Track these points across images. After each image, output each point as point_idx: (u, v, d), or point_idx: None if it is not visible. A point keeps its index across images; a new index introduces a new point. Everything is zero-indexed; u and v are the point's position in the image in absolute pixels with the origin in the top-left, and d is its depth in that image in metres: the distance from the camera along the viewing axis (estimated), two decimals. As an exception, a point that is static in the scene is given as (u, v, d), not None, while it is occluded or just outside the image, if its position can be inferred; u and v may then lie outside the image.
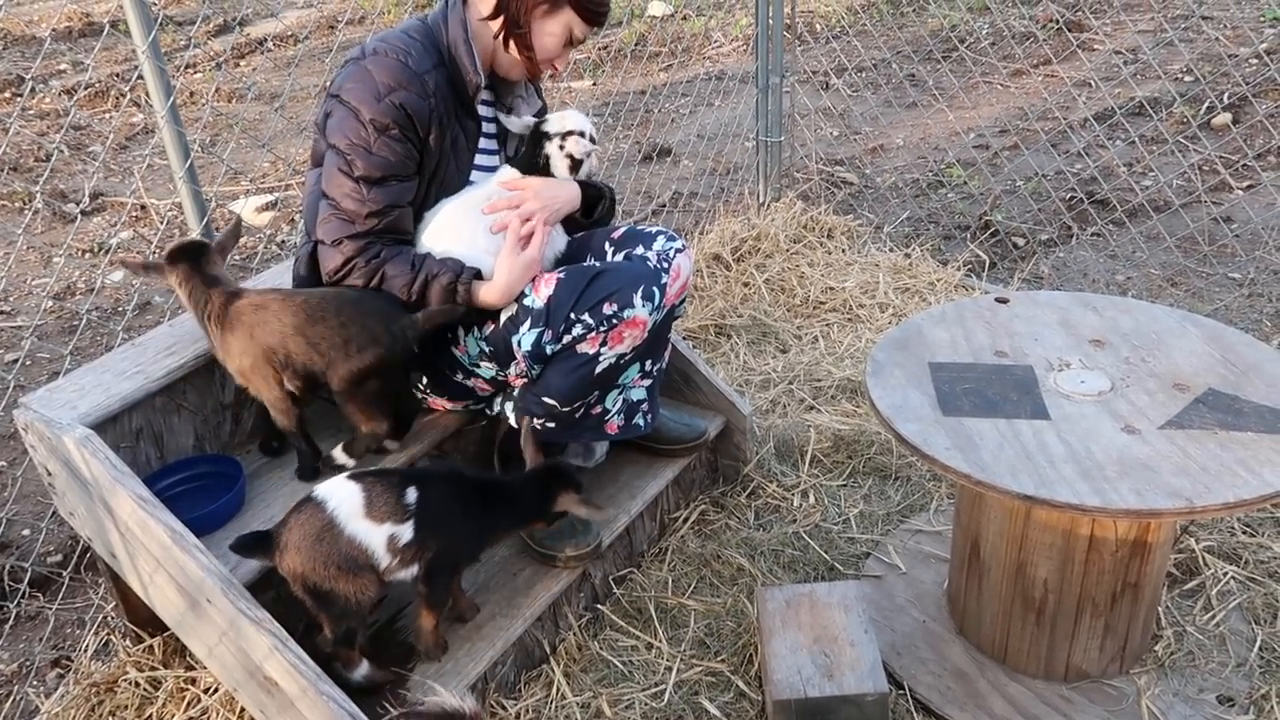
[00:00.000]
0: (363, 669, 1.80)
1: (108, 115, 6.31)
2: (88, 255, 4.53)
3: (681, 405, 2.47)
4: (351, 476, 1.73)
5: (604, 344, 1.88)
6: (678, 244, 2.02)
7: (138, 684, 1.99)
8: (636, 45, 6.65)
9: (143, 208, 4.94)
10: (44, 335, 3.88)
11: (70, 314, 4.03)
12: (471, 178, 2.00)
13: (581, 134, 2.05)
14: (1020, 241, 3.75)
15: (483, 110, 2.03)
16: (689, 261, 2.03)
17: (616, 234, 2.07)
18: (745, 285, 3.37)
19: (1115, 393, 1.82)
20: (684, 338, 3.15)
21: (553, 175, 2.05)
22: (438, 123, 1.88)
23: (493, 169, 2.06)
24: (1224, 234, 3.63)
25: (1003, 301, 2.14)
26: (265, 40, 7.48)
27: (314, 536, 1.66)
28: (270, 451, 2.04)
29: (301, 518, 1.67)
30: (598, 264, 1.97)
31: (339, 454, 1.97)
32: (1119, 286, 3.45)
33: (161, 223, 4.78)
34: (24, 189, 5.17)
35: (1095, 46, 6.00)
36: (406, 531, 1.70)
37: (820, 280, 3.36)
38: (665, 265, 1.96)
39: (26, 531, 2.68)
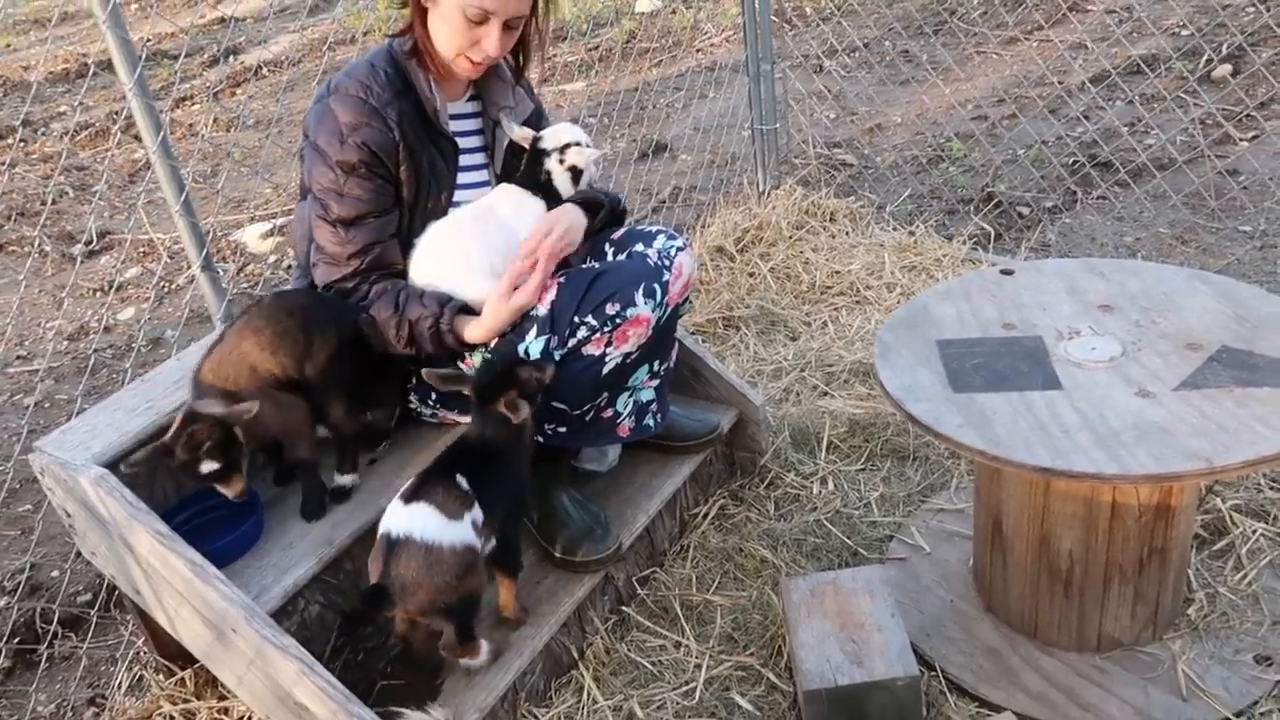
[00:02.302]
0: (484, 652, 1.82)
1: (109, 153, 6.36)
2: (98, 294, 4.57)
3: (693, 401, 2.46)
4: (404, 500, 1.72)
5: (609, 344, 1.87)
6: (678, 242, 2.01)
7: (172, 718, 2.01)
8: (626, 43, 6.64)
9: (149, 243, 4.98)
10: (60, 377, 3.92)
11: (84, 355, 4.06)
12: (457, 197, 1.99)
13: (578, 144, 2.04)
14: (1025, 211, 3.72)
15: (465, 124, 2.02)
16: (691, 259, 2.02)
17: (616, 235, 2.06)
18: (751, 275, 3.36)
19: (1127, 357, 1.80)
20: (692, 332, 3.15)
21: (556, 190, 2.03)
22: (408, 153, 1.87)
23: (481, 184, 2.05)
24: (1231, 187, 3.59)
25: (1008, 273, 2.12)
26: (259, 68, 7.52)
27: (426, 567, 1.66)
28: (284, 481, 2.04)
29: (402, 559, 1.66)
30: (597, 265, 1.96)
31: (338, 478, 1.97)
32: (1128, 249, 3.42)
33: (169, 257, 4.82)
34: (32, 234, 5.22)
35: (1088, 8, 5.95)
36: (478, 512, 1.72)
37: (825, 265, 3.35)
38: (666, 263, 1.95)
39: (55, 573, 2.70)
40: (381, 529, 1.71)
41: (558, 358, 1.89)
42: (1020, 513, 1.87)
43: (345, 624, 1.95)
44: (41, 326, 4.40)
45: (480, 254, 1.91)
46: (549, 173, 2.02)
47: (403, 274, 1.94)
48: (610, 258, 2.02)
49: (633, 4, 7.36)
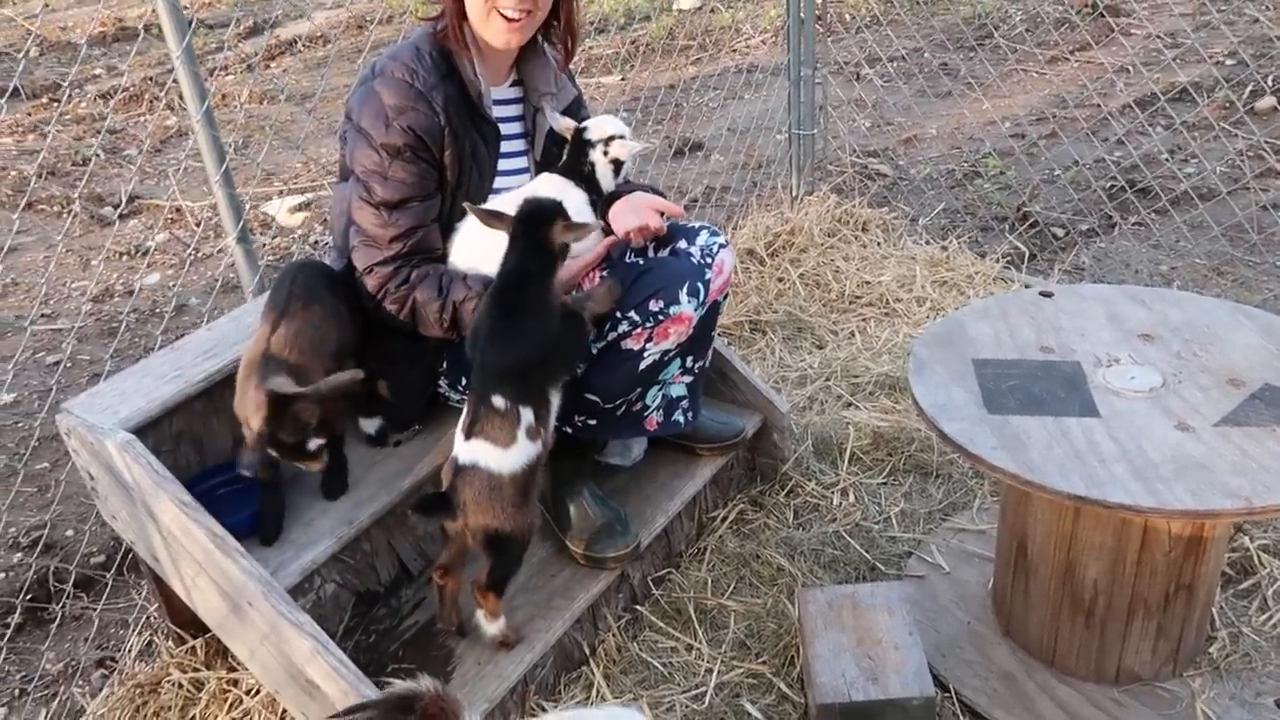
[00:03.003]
0: (500, 622, 1.82)
1: (143, 119, 6.38)
2: (125, 258, 4.58)
3: (719, 404, 2.45)
4: (464, 435, 1.73)
5: (649, 340, 1.86)
6: (720, 239, 1.99)
7: (181, 685, 2.00)
8: (666, 39, 6.62)
9: (178, 210, 4.99)
10: (84, 337, 3.92)
11: (109, 316, 4.07)
12: (497, 184, 1.98)
13: (621, 136, 2.03)
14: (1060, 232, 3.69)
15: (507, 110, 2.01)
16: (731, 256, 2.01)
17: (659, 231, 2.04)
18: (780, 280, 3.34)
19: (1167, 389, 1.77)
20: (719, 334, 3.12)
21: (598, 181, 2.02)
22: (452, 137, 1.86)
23: (520, 171, 2.03)
24: (1272, 221, 3.54)
25: (1047, 295, 2.09)
26: (295, 41, 7.53)
27: (488, 492, 1.70)
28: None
29: (468, 481, 1.71)
30: (641, 261, 1.95)
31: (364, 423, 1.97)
32: (1163, 277, 3.38)
33: (197, 225, 4.83)
34: (62, 193, 5.23)
35: (1133, 31, 5.89)
36: (527, 416, 1.72)
37: (856, 274, 3.32)
38: (709, 260, 1.94)
39: (70, 533, 2.71)
40: (453, 452, 1.76)
41: (595, 351, 1.88)
42: (1047, 539, 1.84)
43: (359, 605, 1.94)
44: (68, 286, 4.41)
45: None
46: (593, 164, 2.01)
47: (443, 258, 1.93)
48: (652, 253, 2.01)
49: (672, 0, 7.34)
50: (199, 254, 4.56)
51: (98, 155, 5.68)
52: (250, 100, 6.59)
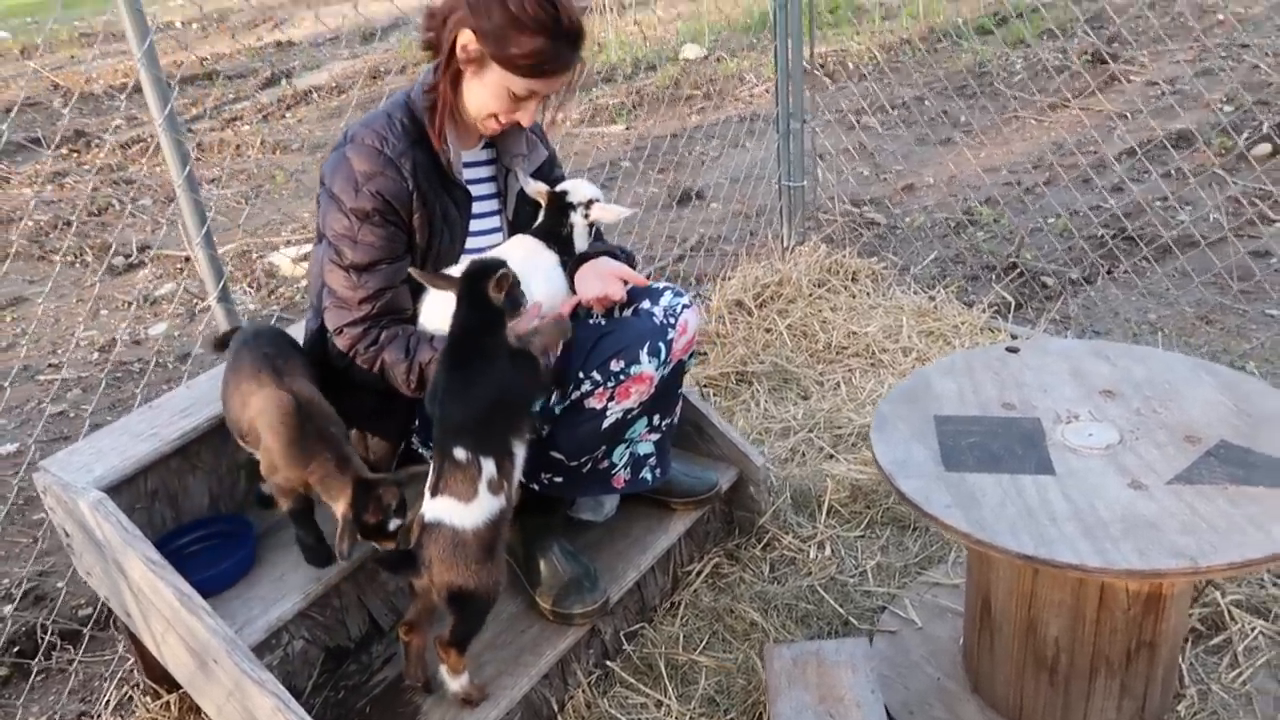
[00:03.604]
0: (463, 678, 1.84)
1: (159, 169, 6.53)
2: (133, 307, 4.67)
3: (695, 457, 2.47)
4: (430, 493, 1.76)
5: (611, 399, 1.89)
6: (684, 300, 2.03)
7: (155, 736, 2.03)
8: (669, 88, 6.72)
9: (187, 259, 5.09)
10: (88, 387, 4.00)
11: (114, 366, 4.15)
12: (469, 244, 2.02)
13: (598, 200, 2.07)
14: (1049, 281, 3.70)
15: (478, 172, 2.06)
16: (696, 317, 2.04)
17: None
18: (767, 331, 3.36)
19: (1124, 446, 1.78)
20: (704, 385, 3.16)
21: (574, 242, 2.06)
22: (421, 202, 1.90)
23: (493, 232, 2.08)
24: (1264, 268, 3.54)
25: (1013, 351, 2.11)
26: (309, 92, 7.70)
27: (452, 548, 1.72)
28: (266, 504, 2.08)
29: (434, 538, 1.73)
30: (604, 322, 1.99)
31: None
32: (1151, 326, 3.38)
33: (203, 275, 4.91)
34: (76, 243, 5.35)
35: (1132, 78, 5.93)
36: (489, 469, 1.74)
37: (843, 325, 3.35)
38: (671, 321, 1.97)
39: (61, 584, 2.75)
40: (420, 510, 1.78)
41: (558, 410, 1.91)
42: (1009, 596, 1.85)
43: (328, 661, 1.96)
44: (75, 336, 4.50)
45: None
46: (572, 226, 2.05)
47: (412, 319, 1.98)
48: (619, 313, 2.04)
49: (679, 50, 7.47)
50: (204, 303, 4.65)
51: (112, 205, 5.81)
52: (263, 150, 6.73)
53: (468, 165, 2.04)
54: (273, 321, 2.50)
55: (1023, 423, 1.88)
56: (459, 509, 1.72)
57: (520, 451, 1.78)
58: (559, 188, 2.05)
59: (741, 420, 2.97)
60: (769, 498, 2.51)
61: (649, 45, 7.69)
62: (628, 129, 6.17)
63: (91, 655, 2.41)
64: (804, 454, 2.81)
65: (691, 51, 7.41)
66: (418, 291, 1.99)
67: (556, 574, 2.05)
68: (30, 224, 5.69)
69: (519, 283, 1.83)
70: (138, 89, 8.00)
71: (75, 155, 6.96)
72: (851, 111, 5.80)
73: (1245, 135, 4.71)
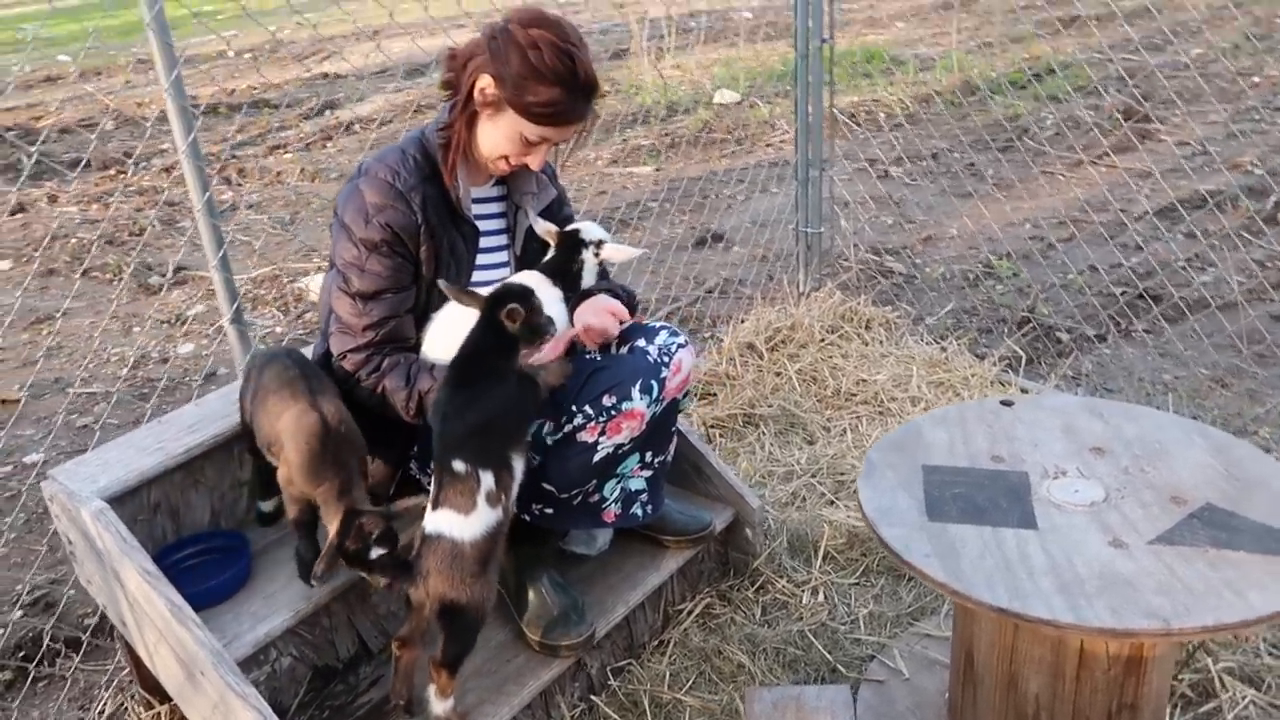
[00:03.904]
0: (449, 703, 1.86)
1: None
2: (165, 326, 4.79)
3: (692, 496, 2.49)
4: (431, 506, 1.80)
5: (602, 434, 1.93)
6: (680, 339, 2.07)
7: (145, 749, 2.07)
8: (700, 132, 6.82)
9: (219, 282, 5.19)
10: (117, 403, 4.09)
11: (142, 382, 4.25)
12: (476, 277, 2.08)
13: (607, 241, 2.13)
14: (1064, 337, 3.70)
15: (488, 208, 2.12)
16: (691, 356, 2.08)
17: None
18: (777, 375, 3.39)
19: (1108, 503, 1.78)
20: (712, 425, 3.18)
21: (581, 279, 2.11)
22: (429, 235, 1.96)
23: (500, 266, 2.13)
24: (1277, 334, 3.52)
25: (1007, 404, 2.12)
26: (351, 123, 7.88)
27: (450, 560, 1.76)
28: (265, 521, 2.13)
29: (431, 547, 1.78)
30: (599, 357, 2.03)
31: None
32: (1164, 386, 3.36)
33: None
34: (115, 262, 5.50)
35: (1164, 137, 5.93)
36: (487, 481, 1.77)
37: (854, 372, 3.36)
38: (665, 360, 2.01)
39: (72, 591, 2.82)
40: (422, 523, 1.82)
41: (550, 442, 1.95)
42: (990, 649, 1.84)
43: (315, 680, 2.00)
44: (108, 352, 4.62)
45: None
46: (582, 263, 2.10)
47: (415, 348, 2.03)
48: (615, 349, 2.09)
49: (712, 95, 7.57)
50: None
51: (153, 226, 5.98)
52: (303, 178, 6.89)
53: (478, 201, 2.11)
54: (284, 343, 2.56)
55: (1010, 476, 1.88)
56: (458, 521, 1.76)
57: (519, 465, 1.83)
58: (571, 227, 2.10)
59: (745, 462, 2.99)
60: (765, 540, 2.52)
61: (684, 89, 7.81)
62: (657, 170, 6.26)
63: (93, 663, 2.46)
64: (805, 498, 2.82)
65: (725, 97, 7.51)
66: (421, 321, 2.04)
67: (545, 605, 2.07)
68: (73, 241, 5.87)
69: (542, 312, 1.88)
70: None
71: (121, 176, 7.16)
72: (878, 161, 5.85)
73: (1274, 198, 4.69)
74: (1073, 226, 4.63)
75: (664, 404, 2.00)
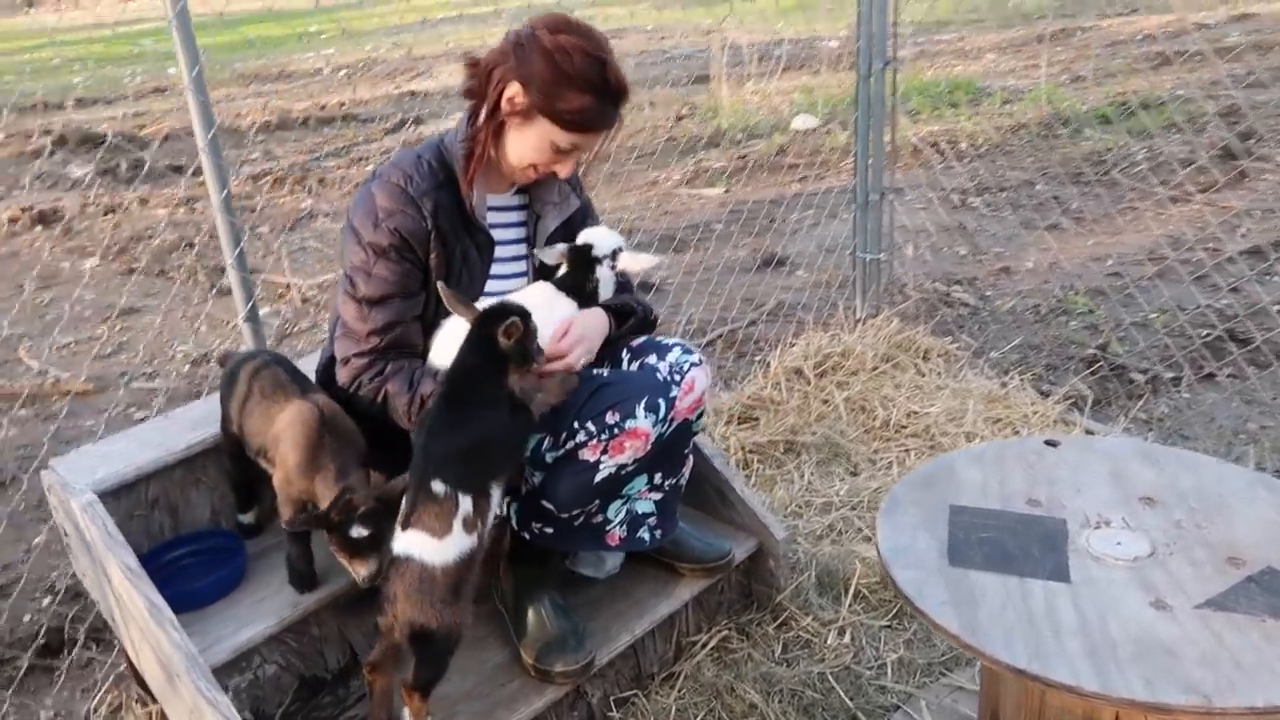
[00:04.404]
0: None
1: (281, 201, 6.88)
2: (231, 327, 4.87)
3: (714, 522, 2.37)
4: (401, 525, 1.71)
5: (604, 452, 1.83)
6: (693, 357, 1.96)
7: (135, 748, 2.03)
8: (775, 155, 6.70)
9: (287, 287, 5.29)
10: (174, 398, 4.16)
11: (200, 380, 4.31)
12: (490, 287, 2.00)
13: (622, 249, 2.04)
14: (1137, 377, 3.46)
15: (507, 217, 2.05)
16: (705, 375, 1.96)
17: (636, 343, 2.03)
18: (824, 402, 3.24)
19: (1154, 559, 1.60)
20: (751, 451, 3.05)
21: (599, 296, 2.03)
22: (440, 242, 1.90)
23: (516, 276, 2.05)
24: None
25: (1052, 444, 1.95)
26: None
27: (419, 584, 1.67)
28: (247, 533, 2.09)
29: (400, 570, 1.69)
30: (605, 373, 1.93)
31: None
32: (1248, 436, 3.11)
33: (301, 301, 5.12)
34: (193, 263, 5.65)
35: (1265, 176, 5.59)
36: (465, 505, 1.68)
37: (905, 403, 3.20)
38: (677, 378, 1.90)
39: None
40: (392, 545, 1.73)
41: (549, 459, 1.86)
42: (1016, 710, 1.68)
43: (303, 689, 1.94)
44: (174, 349, 4.72)
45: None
46: (598, 281, 2.01)
47: (423, 355, 1.96)
48: (625, 365, 1.99)
49: (790, 120, 7.45)
50: (295, 328, 4.82)
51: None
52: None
53: (497, 209, 2.04)
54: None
55: (1046, 522, 1.72)
56: (431, 544, 1.67)
57: (496, 495, 1.73)
58: (581, 240, 2.01)
59: (782, 491, 2.85)
60: (790, 574, 2.38)
61: (762, 114, 7.71)
62: (726, 192, 6.16)
63: (109, 656, 2.45)
64: (841, 532, 2.67)
65: (803, 122, 7.39)
66: (430, 330, 1.98)
67: (544, 628, 1.98)
68: (157, 242, 6.05)
69: (535, 335, 1.79)
70: (278, 126, 8.40)
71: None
72: (959, 190, 5.65)
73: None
74: (1155, 265, 4.37)
75: (673, 425, 1.89)
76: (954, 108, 7.35)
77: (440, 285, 1.85)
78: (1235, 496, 1.75)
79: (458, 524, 1.67)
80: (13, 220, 6.73)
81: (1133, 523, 1.70)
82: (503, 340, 1.72)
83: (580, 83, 1.81)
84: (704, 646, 2.26)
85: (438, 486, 1.68)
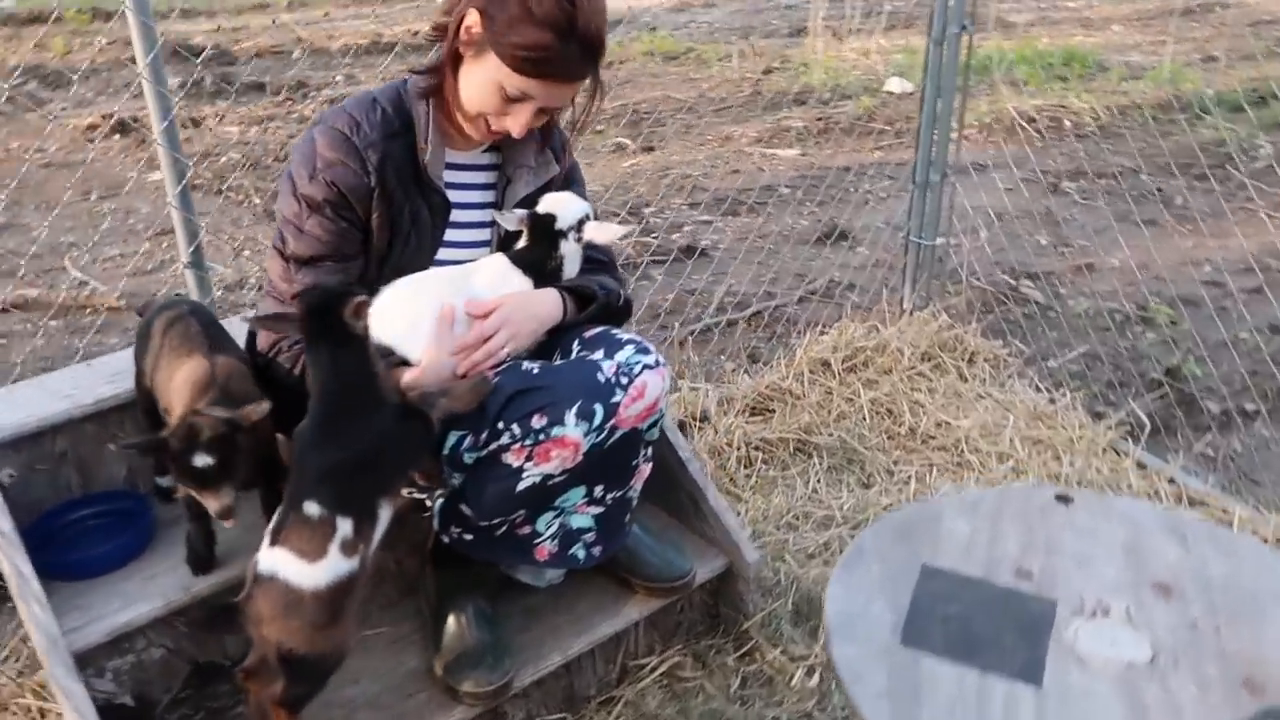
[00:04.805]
0: None
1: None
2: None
3: (687, 533, 2.14)
4: (269, 541, 1.52)
5: (529, 459, 1.61)
6: (649, 358, 1.69)
7: (30, 710, 1.92)
8: (860, 119, 6.28)
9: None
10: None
11: (232, 306, 4.22)
12: (444, 255, 1.78)
13: (588, 217, 1.80)
14: (1211, 406, 3.07)
15: (472, 177, 1.81)
16: (660, 380, 1.70)
17: (589, 333, 1.78)
18: (848, 401, 2.95)
19: (1153, 669, 1.32)
20: (756, 447, 2.79)
21: (563, 275, 1.80)
22: (384, 201, 1.68)
23: (477, 245, 1.82)
24: None
25: (1064, 501, 1.65)
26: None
27: (283, 607, 1.49)
28: (164, 496, 1.92)
29: (264, 588, 1.50)
30: (535, 367, 1.69)
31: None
32: (1331, 489, 2.72)
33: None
34: (250, 184, 5.58)
35: None
36: (344, 528, 1.49)
37: (937, 411, 2.88)
38: (623, 381, 1.65)
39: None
40: (256, 556, 1.54)
41: (470, 460, 1.65)
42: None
43: (196, 676, 1.79)
44: (213, 272, 4.65)
45: (431, 322, 1.69)
46: (563, 257, 1.78)
47: None
48: (574, 355, 1.75)
49: (883, 82, 6.99)
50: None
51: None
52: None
53: (460, 168, 1.81)
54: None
55: (1031, 603, 1.44)
56: (299, 566, 1.47)
57: (385, 515, 1.53)
58: (541, 209, 1.77)
59: (781, 497, 2.59)
60: (762, 599, 2.14)
61: (856, 73, 7.25)
62: (801, 154, 5.80)
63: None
64: (835, 552, 2.41)
65: (898, 85, 6.92)
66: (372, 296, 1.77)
67: (461, 638, 1.78)
68: (222, 160, 5.99)
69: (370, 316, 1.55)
70: (367, 50, 8.28)
71: (289, 103, 7.29)
72: (1050, 172, 5.18)
73: None
74: (1262, 276, 3.90)
75: (613, 433, 1.65)
76: (1064, 81, 6.79)
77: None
78: (1271, 595, 1.43)
79: (334, 548, 1.47)
80: (92, 127, 6.78)
81: (1138, 616, 1.41)
82: (355, 323, 1.49)
83: (540, 19, 1.56)
84: (652, 671, 2.04)
85: (311, 509, 1.47)
